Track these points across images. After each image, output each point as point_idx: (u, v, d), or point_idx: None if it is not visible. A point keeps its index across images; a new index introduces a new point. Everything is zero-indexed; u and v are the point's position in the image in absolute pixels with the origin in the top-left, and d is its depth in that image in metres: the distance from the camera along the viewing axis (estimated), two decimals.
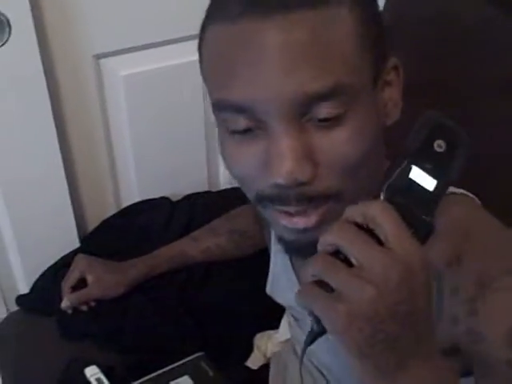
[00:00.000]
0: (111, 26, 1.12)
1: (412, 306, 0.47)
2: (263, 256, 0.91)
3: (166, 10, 1.15)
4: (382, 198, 0.51)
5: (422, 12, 1.05)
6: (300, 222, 0.59)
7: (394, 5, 1.11)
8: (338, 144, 0.57)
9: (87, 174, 1.27)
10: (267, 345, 1.07)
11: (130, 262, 1.12)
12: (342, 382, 0.80)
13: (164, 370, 0.99)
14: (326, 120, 0.56)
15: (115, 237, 1.24)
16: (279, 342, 1.04)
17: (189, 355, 1.02)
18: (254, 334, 1.11)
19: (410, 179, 0.51)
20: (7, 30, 0.99)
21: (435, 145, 0.51)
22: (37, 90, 1.07)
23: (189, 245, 1.14)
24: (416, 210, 0.50)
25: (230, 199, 1.21)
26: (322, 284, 0.48)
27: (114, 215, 1.29)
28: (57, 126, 1.13)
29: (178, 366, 1.00)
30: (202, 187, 1.39)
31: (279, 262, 0.83)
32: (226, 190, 1.38)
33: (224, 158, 0.63)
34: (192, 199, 1.33)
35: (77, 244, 1.26)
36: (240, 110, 0.57)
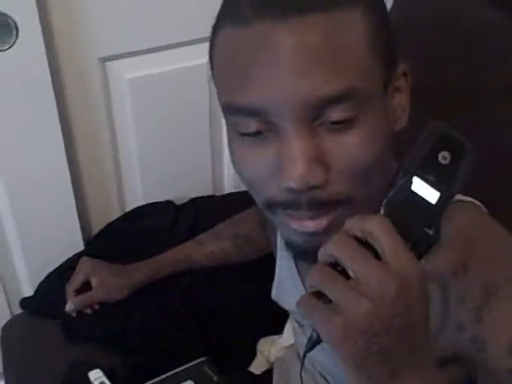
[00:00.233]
0: (117, 30, 1.12)
1: (407, 320, 0.47)
2: (267, 261, 0.91)
3: (171, 13, 1.15)
4: (382, 211, 0.51)
5: (425, 15, 1.06)
6: (310, 225, 0.59)
7: (399, 8, 1.11)
8: (350, 148, 0.57)
9: (92, 176, 1.27)
10: (270, 350, 1.07)
11: (134, 265, 1.12)
12: None
13: (167, 374, 0.99)
14: (337, 123, 0.56)
15: (120, 240, 1.24)
16: (283, 347, 1.04)
17: (192, 359, 1.02)
18: (257, 339, 1.10)
19: (412, 192, 0.50)
20: (14, 32, 0.99)
21: (440, 156, 0.50)
22: (43, 92, 1.07)
23: (193, 249, 1.14)
24: (417, 223, 0.50)
25: (235, 203, 1.21)
26: (320, 295, 0.48)
27: (118, 218, 1.30)
28: (62, 129, 1.13)
29: (181, 371, 1.00)
30: (207, 191, 1.39)
31: (285, 268, 0.83)
32: (230, 194, 1.38)
33: (234, 162, 0.63)
34: (196, 203, 1.33)
35: (81, 247, 1.26)
36: (252, 112, 0.56)
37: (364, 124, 0.56)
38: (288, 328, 1.03)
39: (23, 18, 0.99)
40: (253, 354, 1.09)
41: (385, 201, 0.51)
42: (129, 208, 1.33)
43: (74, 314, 1.09)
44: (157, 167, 1.31)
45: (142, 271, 1.10)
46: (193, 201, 1.34)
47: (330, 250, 0.49)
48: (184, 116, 1.26)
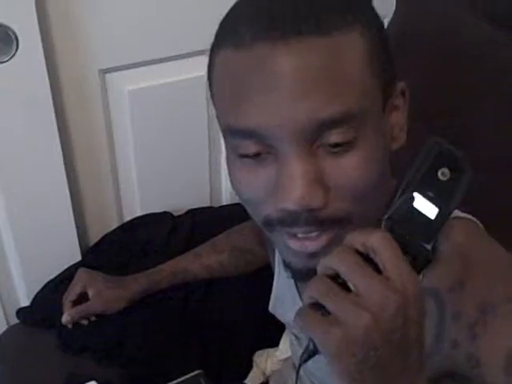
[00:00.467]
0: (117, 42, 1.13)
1: (405, 335, 0.47)
2: (265, 273, 0.91)
3: (171, 26, 1.15)
4: (382, 226, 0.51)
5: (424, 30, 1.06)
6: (310, 246, 0.59)
7: (397, 23, 1.12)
8: (349, 169, 0.57)
9: (90, 187, 1.27)
10: (267, 362, 1.07)
11: (131, 276, 1.12)
12: None
13: None
14: (336, 146, 0.56)
15: (117, 251, 1.24)
16: (279, 359, 1.04)
17: (188, 372, 1.01)
18: (253, 352, 1.10)
19: (413, 207, 0.51)
20: (15, 44, 1.00)
21: (439, 173, 0.51)
22: (43, 103, 1.08)
23: (191, 261, 1.14)
24: (416, 238, 0.51)
25: (233, 215, 1.21)
26: (319, 307, 0.48)
27: (115, 229, 1.29)
28: (61, 140, 1.13)
29: None
30: (205, 202, 1.39)
31: (282, 281, 0.83)
32: (228, 206, 1.38)
33: (232, 182, 0.63)
34: (194, 214, 1.33)
35: (78, 257, 1.26)
36: (251, 135, 0.56)
37: (363, 145, 0.57)
38: (284, 340, 1.03)
39: (23, 29, 0.99)
40: (249, 367, 1.09)
41: (386, 216, 0.51)
42: (126, 219, 1.33)
43: (70, 326, 1.09)
44: (155, 178, 1.32)
45: (139, 283, 1.10)
46: (190, 212, 1.34)
47: (331, 262, 0.49)
48: (183, 128, 1.27)
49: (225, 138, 0.61)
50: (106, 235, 1.28)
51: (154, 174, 1.31)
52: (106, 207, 1.32)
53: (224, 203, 1.42)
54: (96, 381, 0.99)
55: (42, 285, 1.21)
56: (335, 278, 0.49)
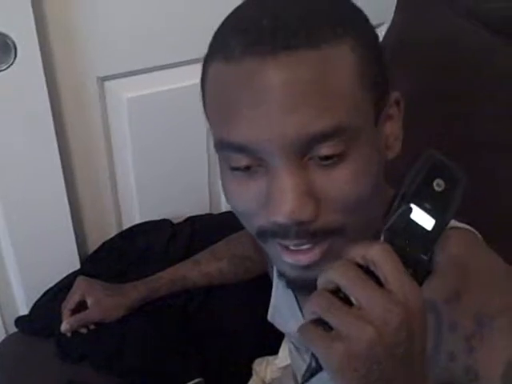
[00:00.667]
0: (115, 49, 1.13)
1: (409, 348, 0.47)
2: (264, 281, 0.90)
3: (170, 33, 1.16)
4: (382, 238, 0.51)
5: (422, 38, 1.06)
6: (303, 259, 0.59)
7: (395, 32, 1.12)
8: (340, 182, 0.56)
9: (89, 195, 1.27)
10: (266, 370, 1.06)
11: (130, 284, 1.11)
12: None
13: None
14: (327, 158, 0.55)
15: (116, 259, 1.24)
16: (278, 367, 1.04)
17: (188, 380, 1.01)
18: (252, 359, 1.10)
19: (410, 219, 0.51)
20: (13, 52, 1.00)
21: (434, 184, 0.51)
22: (41, 111, 1.07)
23: (190, 269, 1.14)
24: (415, 250, 0.51)
25: (232, 222, 1.20)
26: (320, 322, 0.48)
27: (114, 237, 1.29)
28: (60, 147, 1.13)
29: None
30: (204, 209, 1.39)
31: (280, 290, 0.83)
32: (227, 213, 1.38)
33: (225, 193, 0.63)
34: (193, 222, 1.33)
35: (77, 265, 1.25)
36: (242, 149, 0.56)
37: (354, 158, 0.56)
38: (283, 348, 1.03)
39: (22, 37, 1.00)
40: (248, 375, 1.08)
41: (385, 228, 0.51)
42: (125, 227, 1.33)
43: (68, 334, 1.09)
44: (154, 186, 1.32)
45: (138, 291, 1.10)
46: (190, 219, 1.34)
47: (332, 276, 0.49)
48: (181, 135, 1.27)
49: (216, 150, 0.61)
50: (104, 243, 1.28)
51: (152, 181, 1.31)
52: (105, 215, 1.31)
53: (223, 210, 1.42)
54: None
55: (40, 293, 1.21)
56: (336, 292, 0.48)
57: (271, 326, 0.88)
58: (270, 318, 0.88)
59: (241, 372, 1.08)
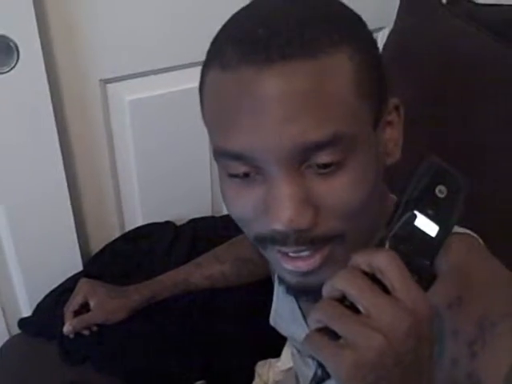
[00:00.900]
0: (118, 52, 1.13)
1: (417, 355, 0.47)
2: (267, 283, 0.90)
3: (171, 36, 1.16)
4: (387, 245, 0.51)
5: (423, 42, 1.06)
6: (303, 266, 0.59)
7: (397, 34, 1.12)
8: (338, 190, 0.56)
9: (92, 197, 1.27)
10: (269, 373, 1.06)
11: (133, 286, 1.12)
12: None
13: None
14: (325, 167, 0.55)
15: (118, 260, 1.24)
16: (281, 370, 1.03)
17: (190, 382, 1.01)
18: (255, 362, 1.10)
19: (415, 226, 0.51)
20: (15, 54, 1.00)
21: (437, 190, 0.51)
22: (43, 113, 1.08)
23: (193, 271, 1.13)
24: (420, 256, 0.51)
25: (234, 224, 1.21)
26: (327, 330, 0.48)
27: (117, 239, 1.30)
28: (62, 150, 1.13)
29: None
30: (206, 212, 1.39)
31: (282, 295, 0.82)
32: (229, 215, 1.38)
33: (224, 200, 0.63)
34: (196, 224, 1.33)
35: (80, 267, 1.26)
36: (239, 157, 0.56)
37: (352, 166, 0.56)
38: (286, 351, 1.03)
39: (24, 40, 1.00)
40: (251, 377, 1.08)
41: (390, 235, 0.51)
42: (128, 229, 1.33)
43: (71, 336, 1.09)
44: (156, 188, 1.32)
45: (140, 293, 1.10)
46: (192, 222, 1.34)
47: (338, 284, 0.48)
48: (183, 137, 1.27)
49: (215, 156, 0.60)
50: (107, 245, 1.28)
51: (155, 183, 1.31)
52: (108, 217, 1.32)
53: (225, 212, 1.42)
54: None
55: (43, 295, 1.21)
56: (342, 300, 0.48)
57: (274, 328, 0.88)
58: (271, 321, 0.87)
59: (243, 374, 1.08)
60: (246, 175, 0.58)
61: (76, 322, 1.08)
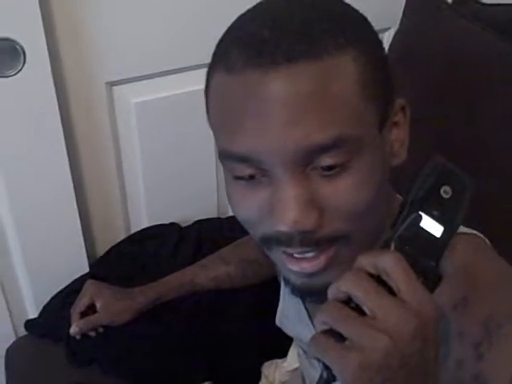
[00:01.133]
0: (124, 55, 1.14)
1: (423, 357, 0.47)
2: (273, 284, 0.90)
3: (177, 38, 1.16)
4: (392, 247, 0.51)
5: (429, 42, 1.06)
6: (308, 267, 0.59)
7: (402, 34, 1.12)
8: (344, 192, 0.56)
9: (97, 199, 1.28)
10: (275, 374, 1.06)
11: (139, 288, 1.12)
12: None
13: None
14: (329, 169, 0.55)
15: (124, 262, 1.25)
16: (287, 371, 1.03)
17: (197, 383, 1.01)
18: (261, 363, 1.10)
19: (420, 227, 0.51)
20: (22, 58, 1.00)
21: (441, 191, 0.51)
22: (50, 116, 1.08)
23: (198, 273, 1.14)
24: (425, 257, 0.51)
25: (240, 226, 1.21)
26: (332, 332, 0.48)
27: (123, 241, 1.30)
28: (68, 152, 1.14)
29: None
30: (212, 213, 1.39)
31: (288, 296, 0.83)
32: (235, 217, 1.38)
33: (229, 202, 0.63)
34: (201, 225, 1.33)
35: (86, 269, 1.26)
36: (244, 159, 0.56)
37: (357, 167, 0.56)
38: (292, 352, 1.03)
39: (30, 43, 1.00)
40: (257, 378, 1.08)
41: (395, 236, 0.51)
42: (134, 230, 1.33)
43: (78, 337, 1.09)
44: (162, 190, 1.32)
45: (146, 295, 1.10)
46: (197, 223, 1.34)
47: (344, 286, 0.48)
48: (189, 139, 1.27)
49: (220, 159, 0.61)
50: (113, 247, 1.29)
51: (160, 185, 1.31)
52: (114, 218, 1.32)
53: (231, 214, 1.42)
54: None
55: (50, 296, 1.21)
56: (347, 302, 0.48)
57: (280, 329, 0.88)
58: (277, 322, 0.88)
59: (250, 375, 1.08)
60: (252, 177, 0.58)
61: (82, 323, 1.08)
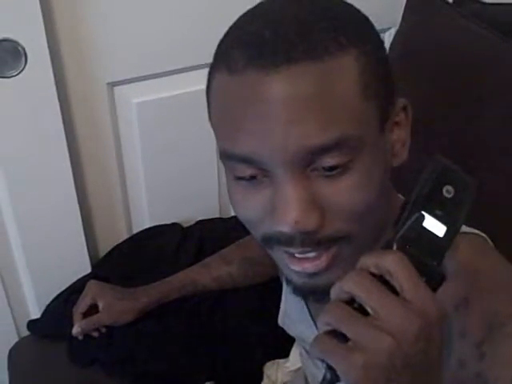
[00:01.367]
0: (125, 55, 1.14)
1: (427, 357, 0.47)
2: (276, 284, 0.91)
3: (178, 39, 1.16)
4: (395, 247, 0.51)
5: (430, 42, 1.06)
6: (310, 267, 0.59)
7: (403, 33, 1.12)
8: (345, 192, 0.56)
9: (99, 199, 1.28)
10: (277, 373, 1.06)
11: (141, 288, 1.12)
12: None
13: None
14: (330, 169, 0.55)
15: (126, 262, 1.25)
16: (289, 371, 1.04)
17: (199, 383, 1.01)
18: (263, 363, 1.10)
19: (422, 227, 0.51)
20: (23, 58, 1.01)
21: (444, 190, 0.51)
22: (51, 117, 1.08)
23: (200, 273, 1.14)
24: (428, 257, 0.50)
25: (241, 226, 1.21)
26: (336, 333, 0.48)
27: (125, 241, 1.30)
28: (70, 152, 1.14)
29: None
30: (213, 213, 1.39)
31: (290, 296, 0.82)
32: (237, 217, 1.38)
33: (231, 202, 0.63)
34: (203, 225, 1.33)
35: (88, 269, 1.26)
36: (245, 160, 0.56)
37: (358, 168, 0.56)
38: (294, 352, 1.03)
39: (32, 44, 1.00)
40: (259, 378, 1.08)
41: (398, 236, 0.51)
42: (136, 231, 1.33)
43: (80, 337, 1.09)
44: (164, 190, 1.32)
45: (148, 295, 1.10)
46: (199, 223, 1.34)
47: (347, 286, 0.48)
48: (191, 140, 1.27)
49: (221, 159, 0.61)
50: (115, 247, 1.29)
51: (162, 185, 1.31)
52: (116, 219, 1.32)
53: (233, 214, 1.42)
54: None
55: (52, 296, 1.21)
56: (350, 302, 0.48)
57: (282, 329, 0.88)
58: (280, 321, 0.88)
59: (252, 375, 1.08)
60: (253, 177, 0.58)
61: (84, 323, 1.08)
